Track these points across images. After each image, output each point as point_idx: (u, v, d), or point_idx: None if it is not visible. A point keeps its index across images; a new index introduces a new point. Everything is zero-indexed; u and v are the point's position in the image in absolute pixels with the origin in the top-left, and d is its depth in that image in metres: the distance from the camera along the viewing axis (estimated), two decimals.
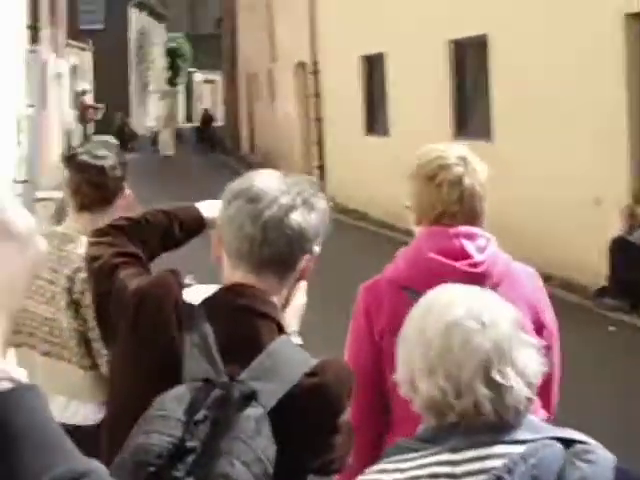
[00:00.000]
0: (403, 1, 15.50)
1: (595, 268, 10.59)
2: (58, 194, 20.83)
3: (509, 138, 12.78)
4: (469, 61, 14.32)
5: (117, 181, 3.62)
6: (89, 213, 3.60)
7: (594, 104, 10.82)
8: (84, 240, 3.52)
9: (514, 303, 2.95)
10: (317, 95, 20.05)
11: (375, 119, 17.62)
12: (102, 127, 36.90)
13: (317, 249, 2.37)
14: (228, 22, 34.94)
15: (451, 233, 3.02)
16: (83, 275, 3.41)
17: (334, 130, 19.33)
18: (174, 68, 56.13)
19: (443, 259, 2.97)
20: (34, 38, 7.59)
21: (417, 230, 3.16)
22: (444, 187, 3.02)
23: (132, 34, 45.92)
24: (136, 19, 46.90)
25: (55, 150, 29.29)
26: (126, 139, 36.42)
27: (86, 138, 34.87)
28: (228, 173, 27.69)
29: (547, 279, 11.74)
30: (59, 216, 17.83)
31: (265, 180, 2.32)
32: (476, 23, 13.25)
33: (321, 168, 20.12)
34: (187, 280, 3.96)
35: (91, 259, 2.52)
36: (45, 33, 15.18)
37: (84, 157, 3.60)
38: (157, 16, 52.79)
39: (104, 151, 3.65)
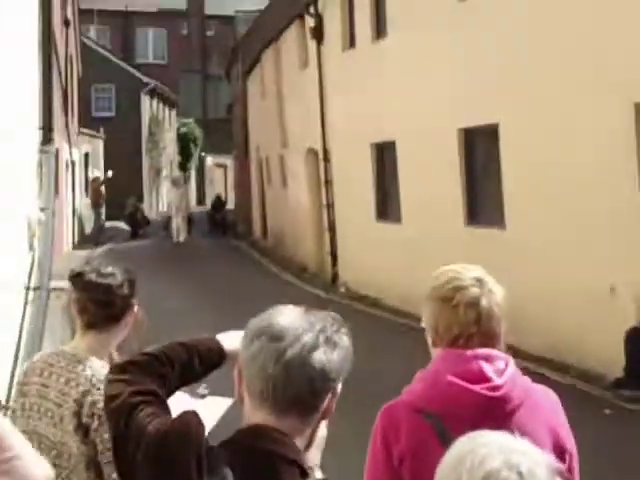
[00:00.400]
0: (413, 89, 15.62)
1: (611, 358, 10.50)
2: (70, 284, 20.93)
3: (522, 226, 12.76)
4: (480, 149, 14.38)
5: (125, 299, 3.60)
6: (95, 332, 3.58)
7: (607, 191, 10.82)
8: (93, 360, 3.53)
9: (534, 428, 2.95)
10: (328, 182, 20.14)
11: (387, 206, 17.66)
12: (115, 213, 37.14)
13: (339, 387, 2.33)
14: (239, 108, 35.32)
15: (469, 355, 2.99)
16: (92, 398, 3.41)
17: (346, 216, 19.37)
18: (186, 153, 56.60)
19: (461, 382, 2.93)
20: (47, 138, 7.67)
21: (434, 352, 3.14)
22: (460, 309, 3.01)
23: (144, 120, 46.39)
24: (148, 106, 47.41)
25: (68, 238, 29.44)
26: (138, 224, 36.57)
27: (99, 224, 35.09)
28: (240, 257, 27.80)
29: (564, 369, 11.75)
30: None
31: (287, 317, 2.30)
32: (487, 111, 13.33)
33: (333, 254, 20.11)
34: (200, 390, 3.90)
35: (109, 398, 2.48)
36: (58, 124, 15.27)
37: (91, 276, 3.58)
38: (169, 102, 53.37)
39: (111, 268, 3.62)
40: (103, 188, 35.23)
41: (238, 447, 2.22)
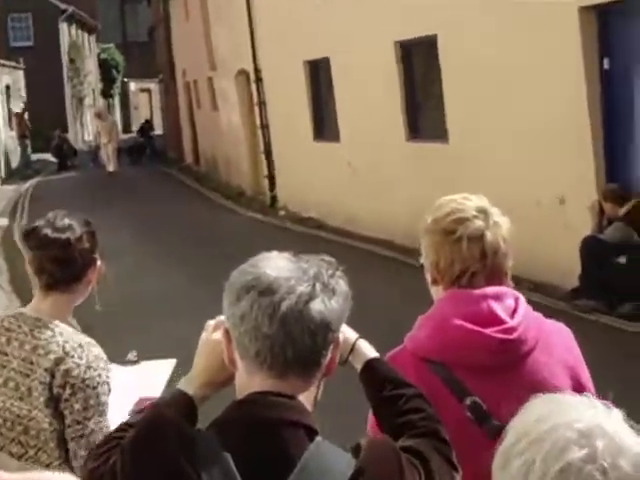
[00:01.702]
0: (346, 2, 15.20)
1: (564, 269, 10.41)
2: (1, 221, 20.38)
3: (466, 138, 12.56)
4: (419, 62, 14.08)
5: (86, 253, 3.21)
6: (57, 292, 3.20)
7: (552, 99, 10.62)
8: (61, 325, 3.17)
9: (550, 369, 2.74)
10: (262, 103, 19.71)
11: (324, 125, 17.33)
12: (40, 145, 36.32)
13: (341, 335, 2.08)
14: (161, 30, 34.49)
15: (477, 295, 2.72)
16: (65, 367, 3.06)
17: (282, 138, 19.01)
18: (108, 79, 55.52)
19: (471, 326, 2.67)
20: None
21: (434, 291, 2.87)
22: (463, 243, 2.73)
23: (63, 48, 45.23)
24: (66, 32, 46.20)
25: None
26: (65, 156, 35.84)
27: (26, 157, 34.29)
28: (173, 185, 27.35)
29: (516, 282, 11.61)
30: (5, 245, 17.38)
31: (276, 266, 2.02)
32: (424, 23, 13.00)
33: (271, 177, 19.79)
34: (130, 356, 3.63)
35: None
36: None
37: (45, 231, 3.18)
38: (87, 28, 52.10)
39: (67, 220, 3.22)
40: (27, 118, 34.33)
41: (234, 422, 1.97)
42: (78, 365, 3.08)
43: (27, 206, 23.78)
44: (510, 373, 2.68)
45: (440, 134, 13.14)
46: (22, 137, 33.90)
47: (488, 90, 11.81)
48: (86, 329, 3.52)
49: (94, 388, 3.08)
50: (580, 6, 10.09)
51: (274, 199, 19.59)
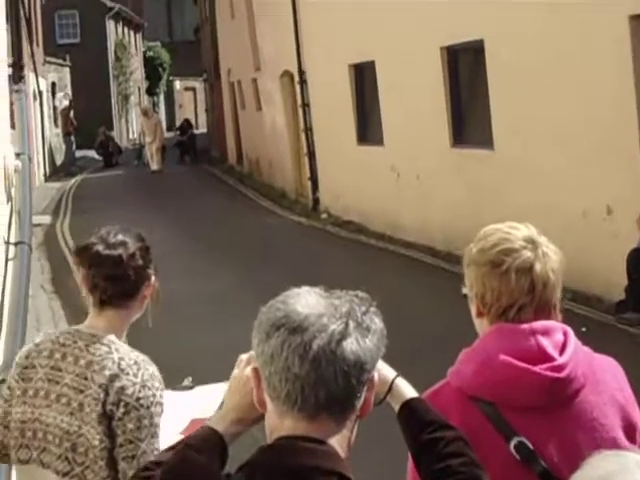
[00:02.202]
0: (392, 7, 15.09)
1: (610, 280, 10.24)
2: (44, 219, 20.44)
3: (511, 146, 12.40)
4: (465, 67, 13.95)
5: (139, 270, 3.18)
6: (112, 309, 3.18)
7: (601, 108, 10.46)
8: (117, 342, 3.14)
9: (601, 409, 2.60)
10: (306, 105, 19.64)
11: (368, 129, 17.23)
12: (85, 143, 36.53)
13: (376, 374, 1.98)
14: (207, 29, 34.55)
15: (525, 330, 2.60)
16: (119, 384, 3.02)
17: (326, 140, 18.93)
18: (153, 77, 55.77)
19: (519, 363, 2.55)
20: (18, 76, 7.14)
21: (478, 323, 2.74)
22: (512, 275, 2.61)
23: (110, 45, 45.50)
24: (113, 30, 46.47)
25: (40, 170, 28.86)
26: (110, 154, 36.02)
27: (70, 155, 34.50)
28: (215, 184, 27.38)
29: (562, 293, 11.43)
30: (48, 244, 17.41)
31: (306, 302, 1.94)
32: (471, 27, 12.87)
33: (314, 180, 19.71)
34: (185, 382, 3.56)
35: None
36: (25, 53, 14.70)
37: (98, 248, 3.16)
38: (134, 26, 52.37)
39: (121, 237, 3.19)
40: (72, 115, 34.52)
41: (262, 468, 1.88)
42: (133, 383, 3.04)
43: (70, 204, 23.91)
44: (558, 412, 2.57)
45: (485, 141, 12.99)
46: (67, 134, 34.10)
47: (535, 97, 11.65)
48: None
49: (148, 408, 3.03)
50: (630, 14, 9.91)
51: (316, 202, 19.51)
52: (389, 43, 15.34)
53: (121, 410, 3.00)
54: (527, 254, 2.62)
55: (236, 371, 2.19)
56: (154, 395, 3.06)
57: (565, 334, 2.64)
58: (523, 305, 2.65)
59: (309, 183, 19.97)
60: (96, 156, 36.70)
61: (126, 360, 3.09)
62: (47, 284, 13.65)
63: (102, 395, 3.03)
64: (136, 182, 28.59)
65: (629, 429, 2.65)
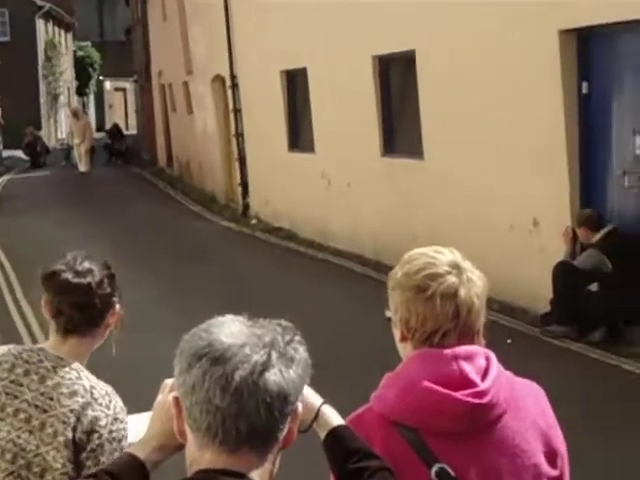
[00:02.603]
0: (325, 14, 15.08)
1: (535, 293, 10.33)
2: None
3: (441, 156, 12.47)
4: (396, 77, 13.99)
5: (105, 298, 3.14)
6: (76, 337, 3.12)
7: (530, 121, 10.55)
8: (84, 370, 3.09)
9: (521, 433, 2.60)
10: (237, 110, 19.56)
11: (299, 135, 17.20)
12: (13, 143, 36.00)
13: (300, 405, 1.94)
14: (138, 30, 34.27)
15: (448, 356, 2.58)
16: (93, 413, 2.96)
17: (257, 146, 18.87)
18: (83, 77, 55.19)
19: (440, 389, 2.53)
20: None
21: (401, 347, 2.72)
22: (437, 301, 2.59)
23: (40, 45, 44.91)
24: (43, 29, 45.87)
25: None
26: (38, 154, 35.54)
27: None
28: (145, 187, 27.15)
29: (486, 304, 11.50)
30: None
31: (230, 331, 1.89)
32: (403, 38, 12.91)
33: (244, 185, 19.63)
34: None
35: None
36: None
37: (66, 275, 3.10)
38: (64, 25, 51.76)
39: (88, 264, 3.14)
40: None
41: None
42: (106, 415, 3.00)
43: None
44: (480, 438, 2.56)
45: (416, 150, 13.03)
46: None
47: (465, 108, 11.72)
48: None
49: (120, 441, 3.00)
50: (560, 29, 10.02)
51: (246, 207, 19.44)
52: (321, 50, 15.33)
53: (95, 442, 2.95)
54: (452, 279, 2.60)
55: (160, 397, 2.14)
56: (124, 429, 3.03)
57: (487, 359, 2.63)
58: (447, 331, 2.62)
59: (239, 188, 19.88)
60: (23, 156, 36.18)
61: (98, 390, 3.04)
62: None
63: (72, 420, 2.97)
64: (64, 183, 28.22)
65: (550, 455, 2.64)
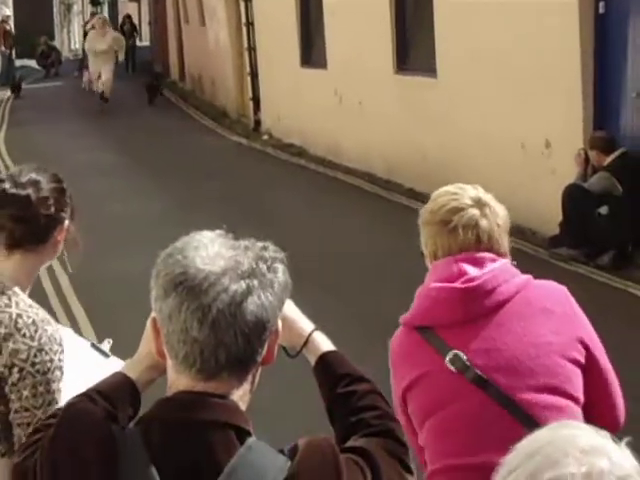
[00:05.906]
0: None
1: (545, 215, 10.28)
2: None
3: (454, 74, 12.31)
4: None
5: (50, 214, 2.93)
6: (20, 253, 2.92)
7: (545, 40, 10.39)
8: (19, 293, 2.89)
9: (527, 317, 2.86)
10: (250, 23, 19.29)
11: (312, 51, 16.99)
12: (26, 52, 35.73)
13: (280, 324, 1.92)
14: None
15: (451, 260, 2.93)
16: (14, 346, 2.78)
17: (269, 61, 18.64)
18: None
19: (440, 284, 2.91)
20: None
21: None
22: (459, 231, 2.93)
23: None
24: None
25: None
26: (51, 64, 35.27)
27: (10, 63, 33.70)
28: (158, 100, 26.95)
29: None
30: None
31: (207, 255, 1.83)
32: None
33: (256, 100, 19.46)
34: (105, 344, 3.32)
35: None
36: None
37: (5, 186, 2.90)
38: None
39: (34, 175, 2.93)
40: (10, 29, 33.57)
41: (158, 422, 1.83)
42: (29, 347, 2.79)
43: (7, 116, 23.50)
44: (483, 323, 2.85)
45: (429, 68, 12.87)
46: (4, 48, 33.17)
47: (480, 27, 11.54)
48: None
49: (44, 374, 2.80)
50: None
51: (258, 123, 19.29)
52: None
53: (15, 376, 2.77)
54: (473, 211, 2.92)
55: (154, 314, 2.12)
56: (51, 360, 2.82)
57: (494, 260, 2.92)
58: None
59: (251, 103, 19.72)
60: (36, 66, 35.92)
61: (24, 318, 2.83)
62: None
63: None
64: (76, 94, 28.02)
65: (568, 338, 2.88)
